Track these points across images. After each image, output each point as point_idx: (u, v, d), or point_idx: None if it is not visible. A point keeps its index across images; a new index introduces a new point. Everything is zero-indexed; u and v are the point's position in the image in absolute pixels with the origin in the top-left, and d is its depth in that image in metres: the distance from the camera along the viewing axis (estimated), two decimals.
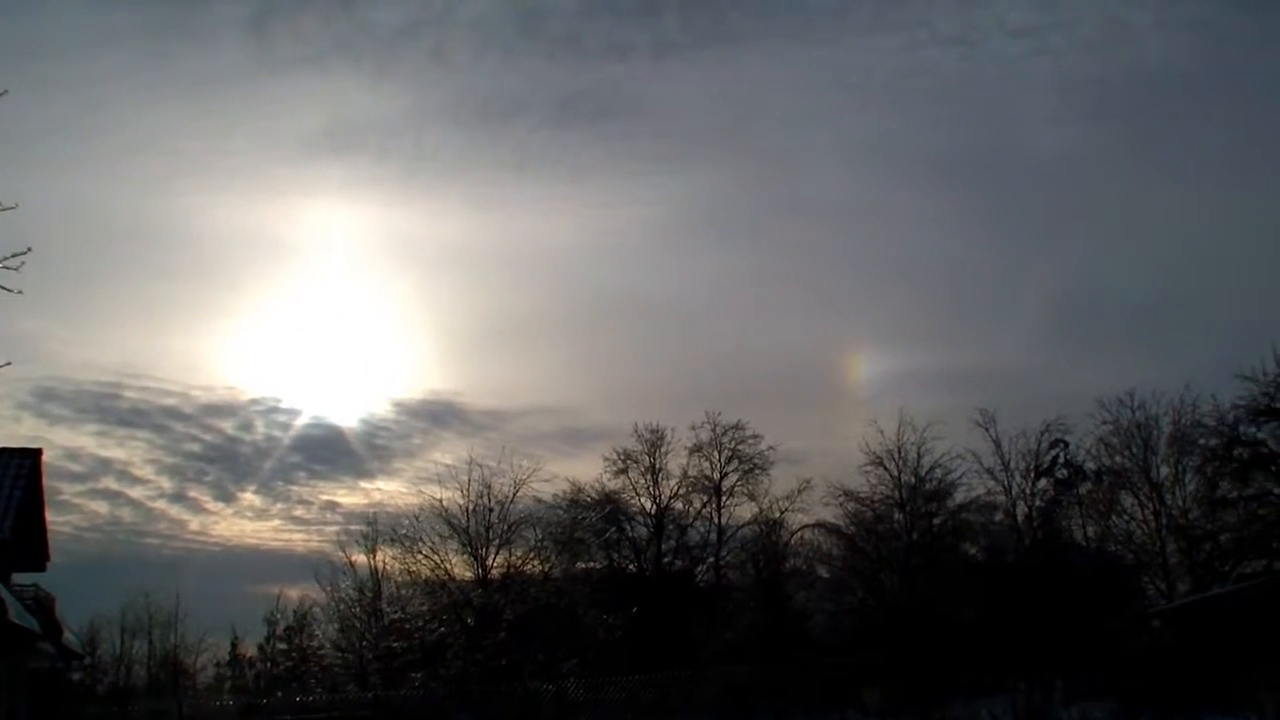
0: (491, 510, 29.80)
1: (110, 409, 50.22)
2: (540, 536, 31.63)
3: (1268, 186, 52.12)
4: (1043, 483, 38.36)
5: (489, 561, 30.07)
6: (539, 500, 32.84)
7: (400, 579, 32.47)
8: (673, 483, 39.29)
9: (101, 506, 48.41)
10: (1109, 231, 62.56)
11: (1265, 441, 31.84)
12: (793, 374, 58.13)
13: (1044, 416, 38.64)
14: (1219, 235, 52.90)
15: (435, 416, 59.07)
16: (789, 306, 63.60)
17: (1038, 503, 38.51)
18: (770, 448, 39.75)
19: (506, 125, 63.41)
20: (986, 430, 38.11)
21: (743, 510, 40.53)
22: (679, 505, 39.17)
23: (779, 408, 56.96)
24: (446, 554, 30.11)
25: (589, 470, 56.24)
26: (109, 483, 47.22)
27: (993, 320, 60.34)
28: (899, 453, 37.99)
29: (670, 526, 39.45)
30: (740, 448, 40.57)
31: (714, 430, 40.11)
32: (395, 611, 32.30)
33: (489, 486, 30.11)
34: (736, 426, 40.09)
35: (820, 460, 60.58)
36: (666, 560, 39.36)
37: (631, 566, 39.11)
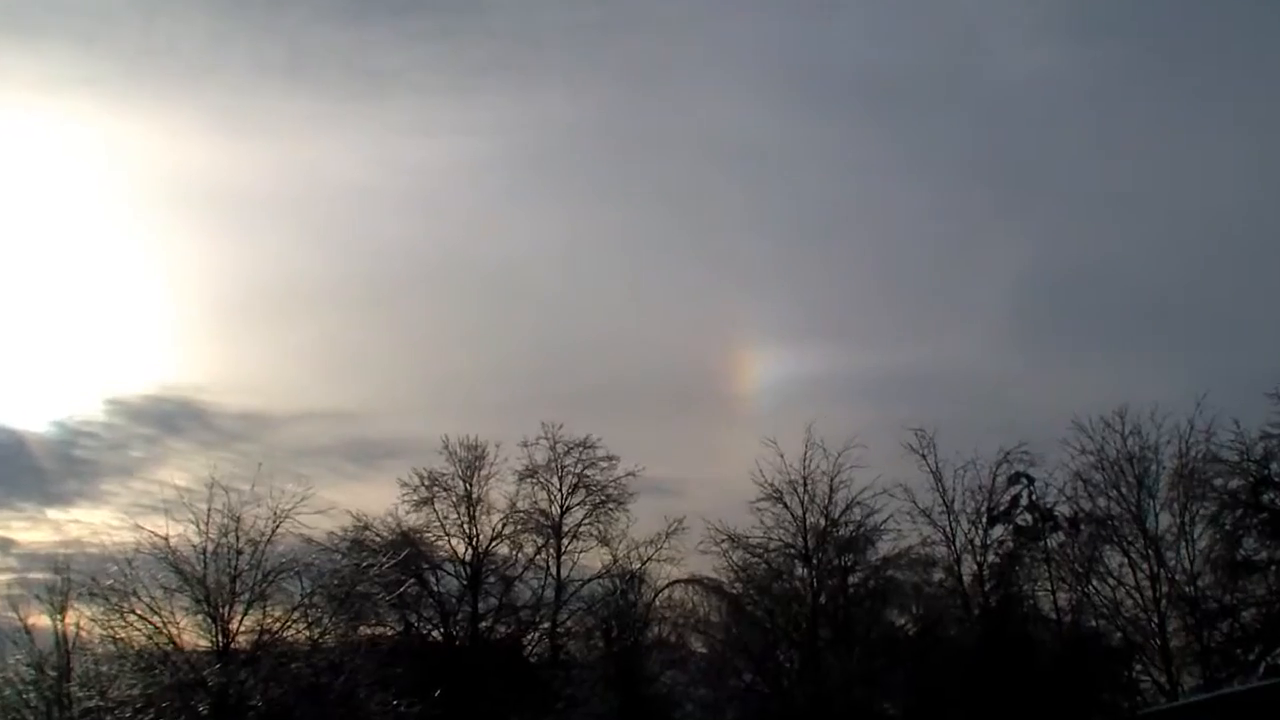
0: (240, 553, 30.77)
1: None
2: (309, 590, 32.45)
3: None
4: (998, 531, 40.67)
5: (234, 625, 30.93)
6: (309, 540, 34.12)
7: (102, 650, 32.47)
8: (496, 519, 40.70)
9: None
10: (1097, 191, 64.45)
11: None
12: (663, 375, 62.81)
13: (1001, 442, 40.53)
14: (1247, 200, 58.27)
15: (166, 420, 59.52)
16: (661, 283, 68.57)
17: (991, 558, 40.47)
18: (630, 474, 41.77)
19: (274, 13, 69.53)
20: (923, 458, 40.50)
21: (591, 558, 41.85)
22: (504, 550, 40.81)
23: (643, 421, 59.62)
24: (173, 614, 30.82)
25: (380, 499, 57.34)
26: None
27: (937, 309, 66.01)
28: (805, 485, 40.19)
29: (491, 578, 40.48)
30: (589, 473, 41.92)
31: (554, 449, 41.75)
32: (92, 697, 31.82)
33: (238, 520, 30.87)
34: (584, 444, 41.92)
35: (698, 493, 61.45)
36: (485, 624, 40.29)
37: (436, 632, 40.34)
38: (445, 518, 41.27)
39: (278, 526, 31.54)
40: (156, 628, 31.25)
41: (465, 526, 41.21)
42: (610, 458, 42.69)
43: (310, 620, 32.78)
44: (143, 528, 31.23)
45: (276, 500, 31.26)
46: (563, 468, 42.61)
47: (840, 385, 57.06)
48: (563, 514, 42.54)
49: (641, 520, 42.63)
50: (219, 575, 31.28)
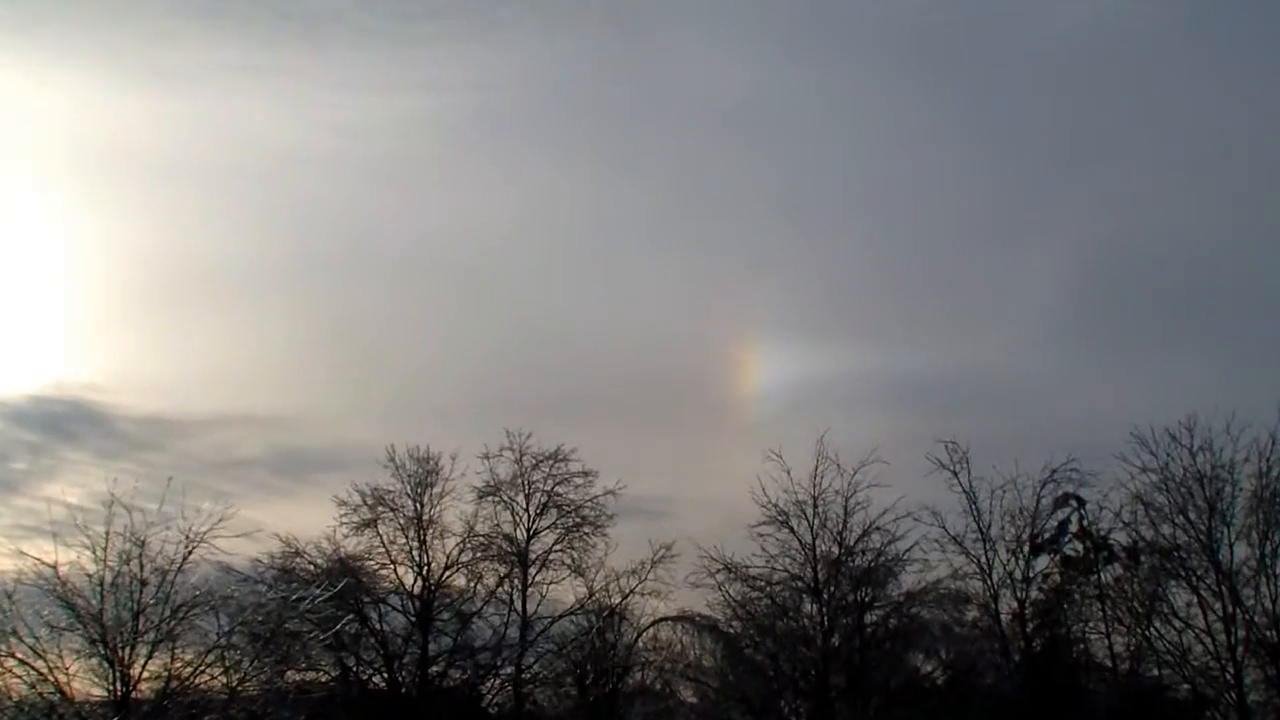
0: (145, 585, 29.57)
1: None
2: (227, 628, 31.27)
3: None
4: (1043, 562, 39.86)
5: (136, 670, 29.76)
6: (228, 569, 33.78)
7: None
8: (451, 545, 39.75)
9: None
10: (1161, 162, 63.87)
11: None
12: (649, 377, 62.55)
13: (1047, 458, 39.48)
14: None
15: (56, 425, 56.59)
16: (647, 269, 68.19)
17: (1034, 594, 39.53)
18: (609, 492, 40.85)
19: None
20: (955, 476, 39.72)
21: (563, 591, 41.06)
22: (459, 581, 40.08)
23: (625, 430, 59.14)
24: (61, 657, 29.37)
25: (314, 520, 55.82)
26: None
27: (971, 301, 66.78)
28: (815, 507, 39.74)
29: (444, 615, 39.69)
30: (561, 491, 41.12)
31: (520, 462, 40.88)
32: None
33: (143, 545, 29.81)
34: (556, 457, 40.95)
35: (689, 515, 60.12)
36: (436, 668, 39.48)
37: (379, 677, 39.64)
38: (391, 542, 40.16)
39: (190, 552, 30.68)
40: (41, 674, 29.80)
41: (414, 553, 40.14)
42: (586, 473, 41.70)
43: (228, 664, 31.82)
44: (26, 554, 29.87)
45: (189, 521, 30.20)
46: (530, 484, 41.46)
47: (857, 390, 57.13)
48: (530, 539, 41.30)
49: (622, 547, 41.72)
50: (118, 611, 30.19)
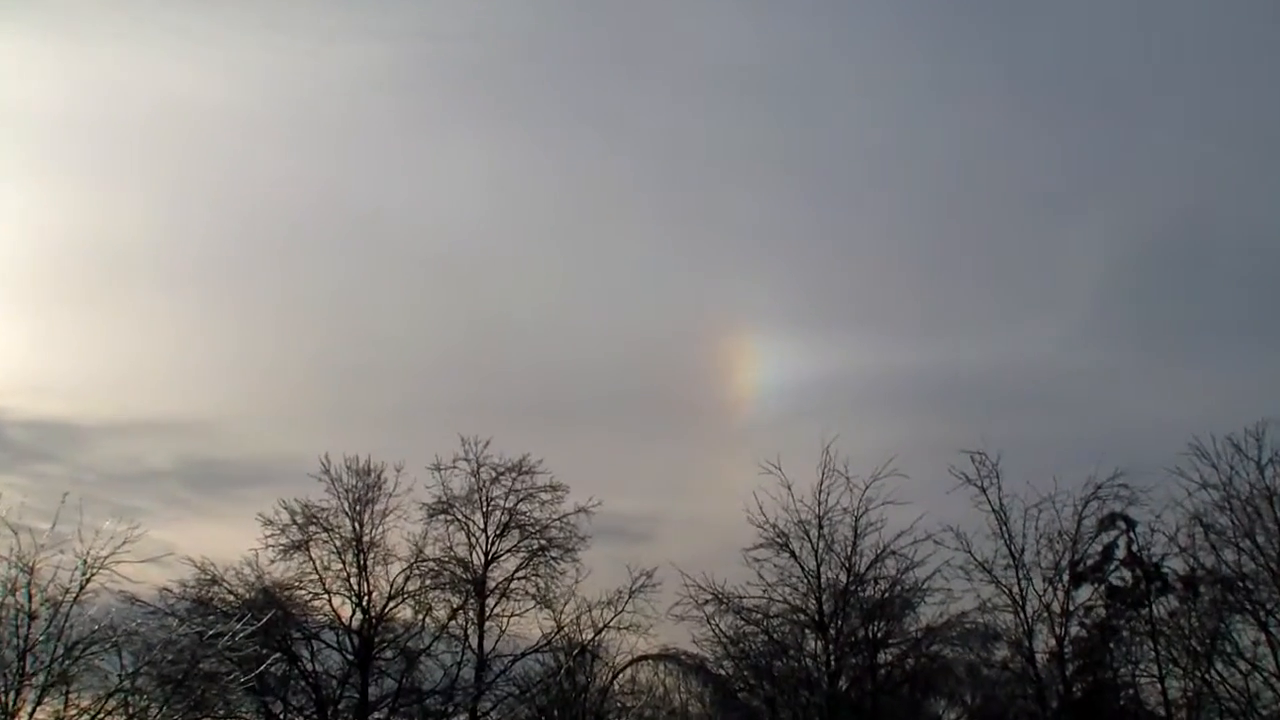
0: (35, 618, 29.00)
1: None
2: (131, 668, 30.96)
3: None
4: (1086, 593, 38.78)
5: (23, 718, 29.02)
6: (133, 600, 33.65)
7: None
8: (395, 571, 38.82)
9: None
10: (1236, 122, 60.11)
11: None
12: (626, 377, 62.13)
13: (1090, 471, 38.51)
14: None
15: None
16: (625, 253, 66.47)
17: (1075, 629, 38.56)
18: (581, 510, 39.70)
19: None
20: (983, 492, 38.72)
21: (526, 625, 39.98)
22: (405, 613, 39.11)
23: (601, 439, 59.30)
24: None
25: (234, 542, 54.80)
26: None
27: (1003, 289, 65.11)
28: (820, 528, 38.16)
29: (388, 652, 38.75)
30: (525, 509, 40.13)
31: (477, 474, 39.75)
32: None
33: (32, 571, 29.18)
34: (519, 469, 39.71)
35: (673, 536, 56.15)
36: (378, 716, 38.43)
37: None
38: (325, 568, 38.73)
39: (88, 580, 29.92)
40: None
41: (353, 581, 38.71)
42: (554, 488, 40.35)
43: (132, 711, 31.52)
44: None
45: (87, 544, 29.42)
46: (489, 501, 40.05)
47: (870, 392, 55.72)
48: (488, 563, 39.88)
49: (596, 573, 40.50)
50: (1, 650, 29.57)
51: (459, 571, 39.73)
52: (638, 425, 58.79)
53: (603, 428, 57.96)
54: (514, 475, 40.20)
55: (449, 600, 39.68)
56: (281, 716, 38.75)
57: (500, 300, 62.17)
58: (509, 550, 40.31)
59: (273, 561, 38.67)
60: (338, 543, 38.90)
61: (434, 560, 39.58)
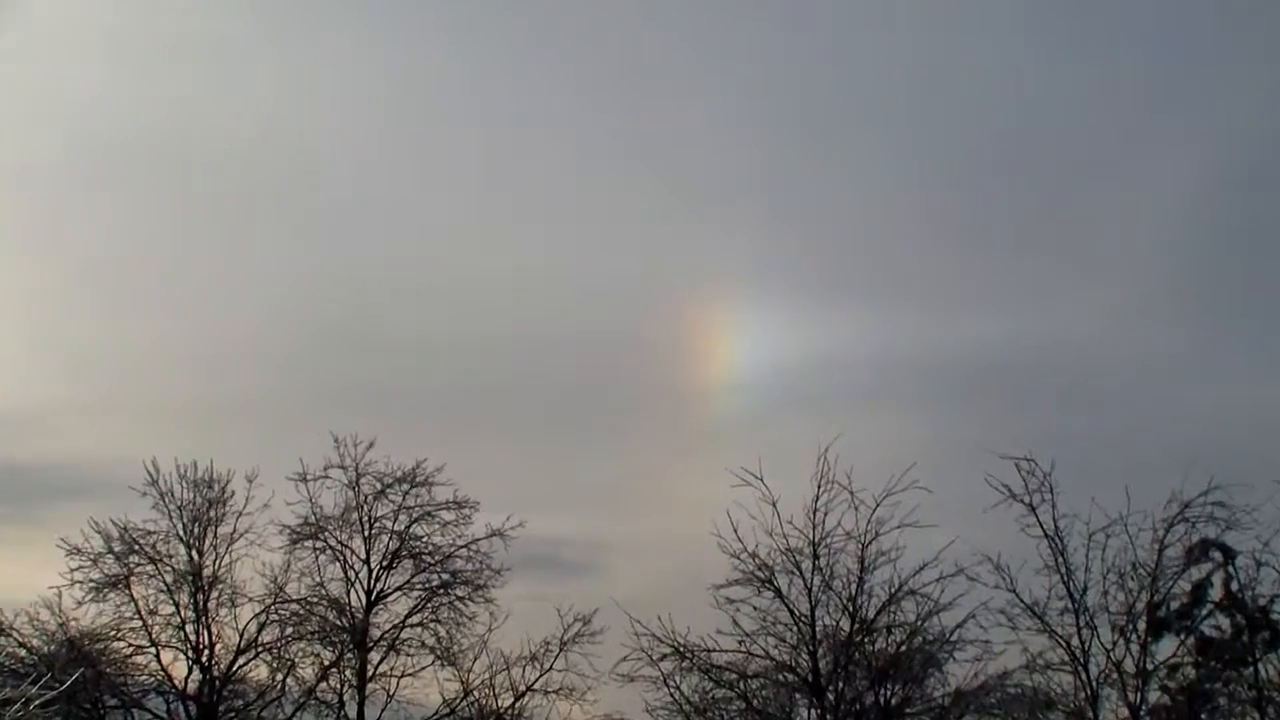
0: None
1: None
2: None
3: None
4: (1169, 646, 33.45)
5: None
6: None
7: None
8: (246, 616, 33.37)
9: None
10: None
11: None
12: (562, 360, 54.50)
13: (1173, 483, 32.93)
14: None
15: None
16: (565, 196, 58.52)
17: (1155, 694, 33.39)
18: (496, 533, 34.41)
19: None
20: (1031, 510, 32.69)
21: (423, 686, 34.98)
22: (260, 672, 33.92)
23: (522, 440, 52.26)
24: None
25: (28, 577, 46.82)
26: None
27: (1053, 249, 56.70)
28: (815, 557, 32.55)
29: None
30: (421, 532, 35.13)
31: (355, 486, 34.24)
32: None
33: None
34: (414, 479, 34.49)
35: (621, 568, 49.46)
36: None
37: None
38: (152, 612, 33.23)
39: None
40: None
41: (190, 629, 33.17)
42: (460, 504, 34.66)
43: None
44: None
45: None
46: (372, 522, 34.32)
47: (881, 379, 49.40)
48: (371, 605, 34.17)
49: (517, 618, 35.07)
50: None
51: (332, 616, 34.45)
52: (571, 421, 52.29)
53: (525, 425, 51.72)
54: (405, 488, 34.79)
55: (318, 654, 34.48)
56: None
57: (388, 258, 56.06)
58: (399, 588, 35.04)
59: (81, 603, 33.30)
60: (169, 578, 33.56)
61: (299, 601, 34.31)
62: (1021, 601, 32.69)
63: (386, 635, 35.04)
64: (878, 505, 32.28)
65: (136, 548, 33.53)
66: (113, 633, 33.50)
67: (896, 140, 64.17)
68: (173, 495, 33.78)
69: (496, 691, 35.03)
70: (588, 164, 60.84)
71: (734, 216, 58.61)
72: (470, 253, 58.83)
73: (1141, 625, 33.23)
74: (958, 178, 63.33)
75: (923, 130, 63.60)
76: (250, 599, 34.18)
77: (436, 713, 34.97)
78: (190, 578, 33.61)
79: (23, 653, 32.68)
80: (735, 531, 32.67)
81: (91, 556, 33.29)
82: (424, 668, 34.98)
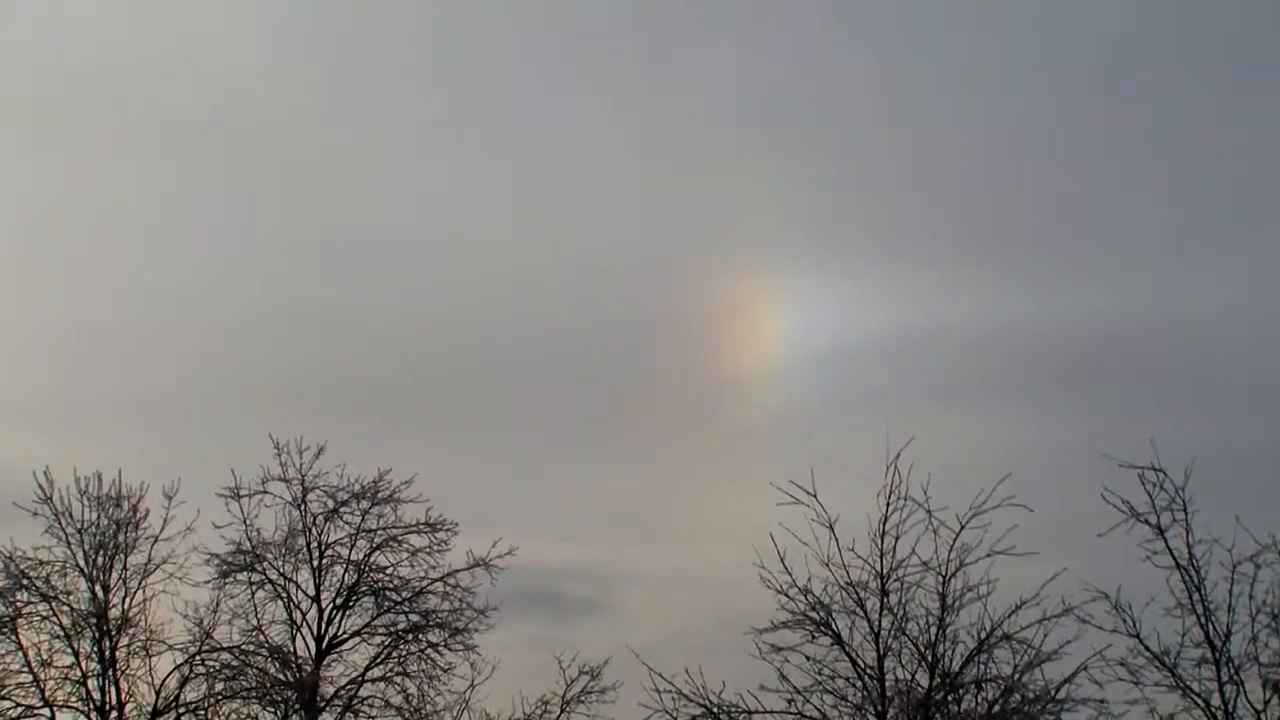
0: None
1: None
2: None
3: None
4: None
5: None
6: None
7: None
8: (166, 668, 29.29)
9: None
10: None
11: None
12: (558, 345, 49.81)
13: None
14: None
15: None
16: (559, 137, 53.25)
17: None
18: (481, 563, 30.42)
19: None
20: (1159, 533, 27.97)
21: None
22: None
23: (510, 442, 48.36)
24: None
25: None
26: None
27: (1194, 199, 51.00)
28: (884, 594, 28.23)
29: None
30: (384, 561, 31.09)
31: (302, 505, 30.04)
32: None
33: None
34: (375, 495, 30.27)
35: (636, 606, 47.17)
36: None
37: None
38: (45, 662, 28.71)
39: None
40: None
41: (93, 683, 28.51)
42: (434, 526, 29.97)
43: None
44: None
45: None
46: (323, 548, 29.58)
47: (963, 364, 44.18)
48: (323, 653, 29.35)
49: (508, 669, 30.51)
50: None
51: (273, 668, 29.82)
52: (576, 422, 46.96)
53: (517, 427, 46.70)
54: (365, 506, 30.09)
55: (256, 717, 30.27)
56: None
57: (344, 215, 50.53)
58: (357, 633, 30.32)
59: None
60: (67, 620, 28.97)
61: (231, 650, 29.63)
62: (1147, 649, 27.30)
63: (342, 693, 30.24)
64: (963, 527, 27.10)
65: (25, 582, 28.85)
66: None
67: (979, 52, 57.75)
68: (71, 516, 29.02)
69: None
70: (580, 84, 55.52)
71: (772, 154, 52.64)
72: (440, 206, 53.24)
73: None
74: (1064, 95, 56.36)
75: (1010, 38, 57.66)
76: (170, 646, 29.29)
77: None
78: (94, 620, 28.88)
79: None
80: (782, 561, 27.66)
81: None
82: None
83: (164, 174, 56.87)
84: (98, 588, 29.06)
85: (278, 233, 54.86)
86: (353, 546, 30.42)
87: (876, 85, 56.93)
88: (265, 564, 29.79)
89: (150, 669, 29.03)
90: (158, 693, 28.88)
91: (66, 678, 28.79)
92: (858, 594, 27.58)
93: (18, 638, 28.60)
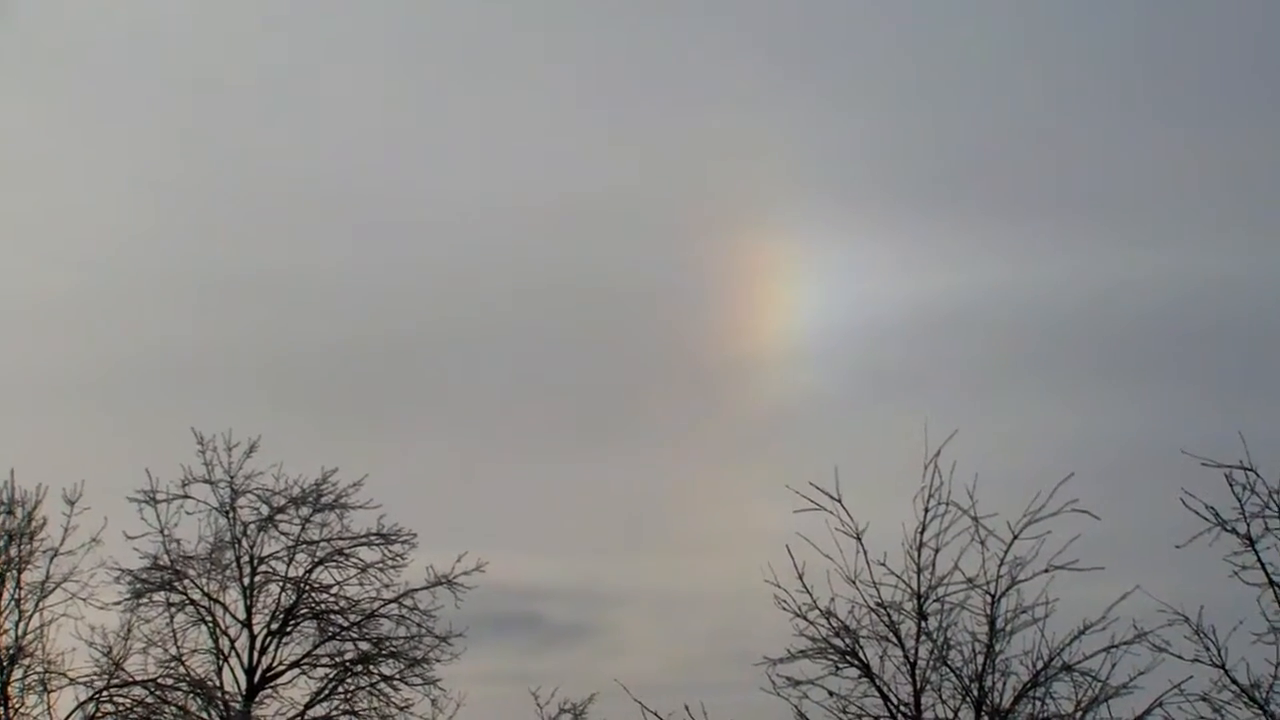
0: None
1: None
2: None
3: None
4: None
5: None
6: None
7: None
8: (68, 704, 26.61)
9: None
10: None
11: None
12: (530, 314, 46.73)
13: None
14: None
15: None
16: (541, 80, 49.50)
17: None
18: (444, 580, 28.01)
19: None
20: (1250, 545, 26.10)
21: None
22: None
23: (478, 437, 45.57)
24: None
25: None
26: None
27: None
28: (921, 616, 25.63)
29: None
30: (327, 579, 28.47)
31: (230, 510, 27.60)
32: None
33: None
34: (317, 500, 27.87)
35: (632, 629, 45.74)
36: None
37: None
38: None
39: None
40: None
41: None
42: (386, 537, 27.33)
43: None
44: None
45: None
46: (255, 563, 26.85)
47: (1015, 344, 40.57)
48: (256, 688, 26.41)
49: (477, 705, 27.54)
50: None
51: (196, 705, 26.93)
52: (557, 413, 43.50)
53: (486, 419, 43.05)
54: (306, 513, 27.37)
55: None
56: None
57: (280, 165, 45.84)
58: (296, 663, 27.39)
59: None
60: None
61: (146, 684, 26.73)
62: (1234, 682, 23.45)
63: None
64: (1015, 537, 23.90)
65: None
66: None
67: None
68: None
69: None
70: (571, 46, 52.68)
71: (791, 90, 49.37)
72: (395, 153, 49.83)
73: None
74: (1140, 32, 52.91)
75: None
76: (72, 680, 26.33)
77: None
78: None
79: None
80: (800, 578, 24.32)
81: None
82: None
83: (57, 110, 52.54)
84: None
85: (205, 184, 50.59)
86: (291, 561, 27.31)
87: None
88: (187, 582, 26.77)
89: (49, 706, 25.94)
90: None
91: None
92: (890, 617, 24.59)
93: None
